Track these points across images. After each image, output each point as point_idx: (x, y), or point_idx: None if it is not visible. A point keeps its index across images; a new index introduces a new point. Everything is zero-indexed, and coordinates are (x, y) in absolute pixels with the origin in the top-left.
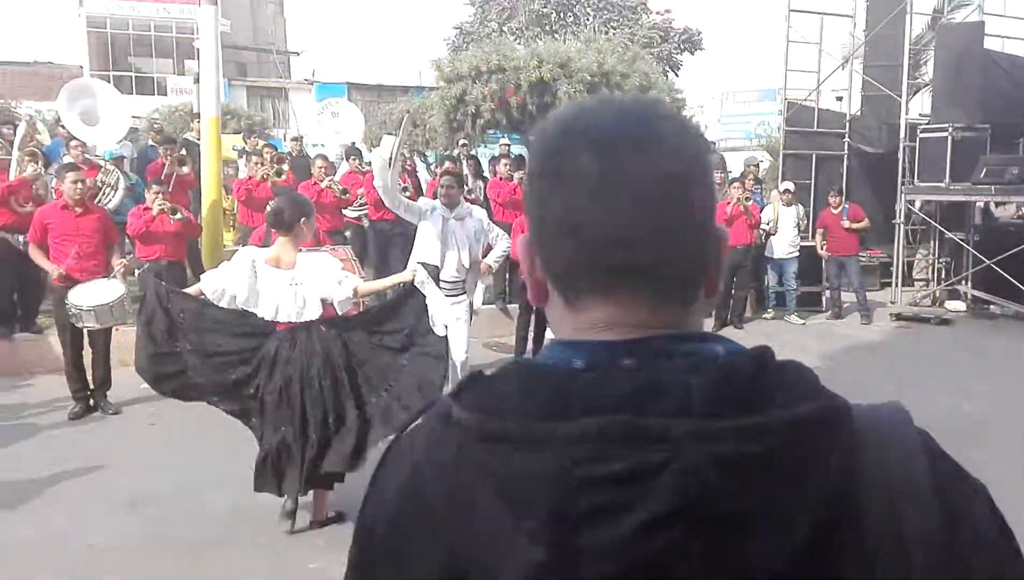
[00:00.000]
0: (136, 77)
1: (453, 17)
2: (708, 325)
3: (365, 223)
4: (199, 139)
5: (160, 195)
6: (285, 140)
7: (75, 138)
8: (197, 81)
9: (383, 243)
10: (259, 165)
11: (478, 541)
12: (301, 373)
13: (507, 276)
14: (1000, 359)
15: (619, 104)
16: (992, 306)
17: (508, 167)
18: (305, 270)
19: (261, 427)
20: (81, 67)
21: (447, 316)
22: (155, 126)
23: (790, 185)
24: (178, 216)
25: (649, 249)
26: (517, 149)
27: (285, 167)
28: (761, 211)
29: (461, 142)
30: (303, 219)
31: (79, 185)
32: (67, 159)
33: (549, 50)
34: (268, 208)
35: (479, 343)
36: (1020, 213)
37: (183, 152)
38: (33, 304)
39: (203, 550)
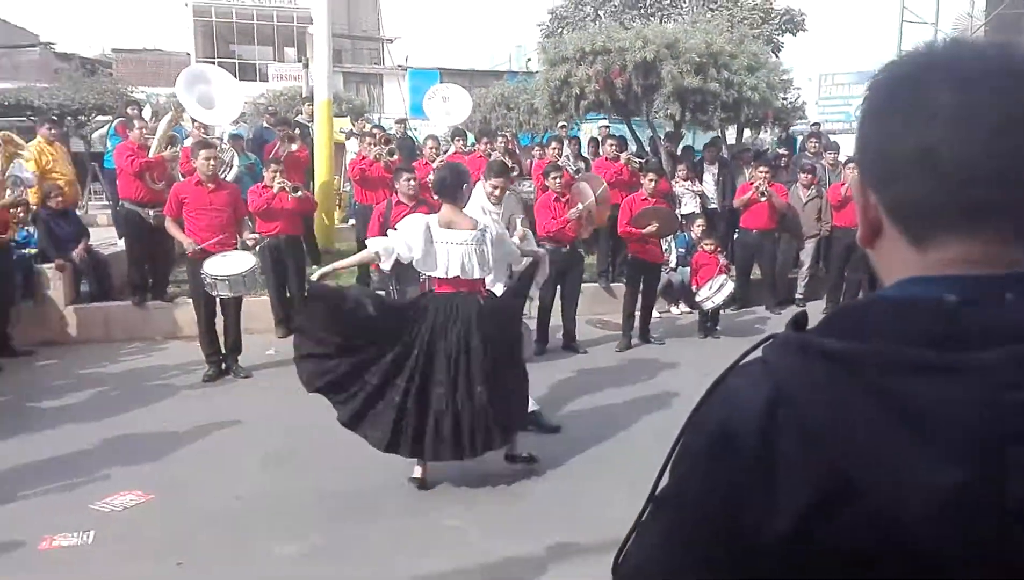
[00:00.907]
0: (239, 64)
1: (547, 2)
2: (821, 306)
3: None
4: (309, 121)
5: (279, 173)
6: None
7: (194, 120)
8: (307, 66)
9: None
10: (372, 145)
11: (867, 462)
12: (456, 340)
13: (611, 254)
14: None
15: (976, 43)
16: None
17: (614, 148)
18: (482, 232)
19: (400, 389)
20: (188, 54)
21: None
22: (270, 109)
23: None
24: (297, 193)
25: (1013, 185)
26: (616, 130)
27: (394, 147)
28: None
29: (560, 124)
30: (464, 185)
31: (211, 162)
32: (188, 141)
33: (655, 31)
34: (433, 179)
35: (582, 320)
36: None
37: (296, 133)
38: (164, 274)
39: (341, 504)
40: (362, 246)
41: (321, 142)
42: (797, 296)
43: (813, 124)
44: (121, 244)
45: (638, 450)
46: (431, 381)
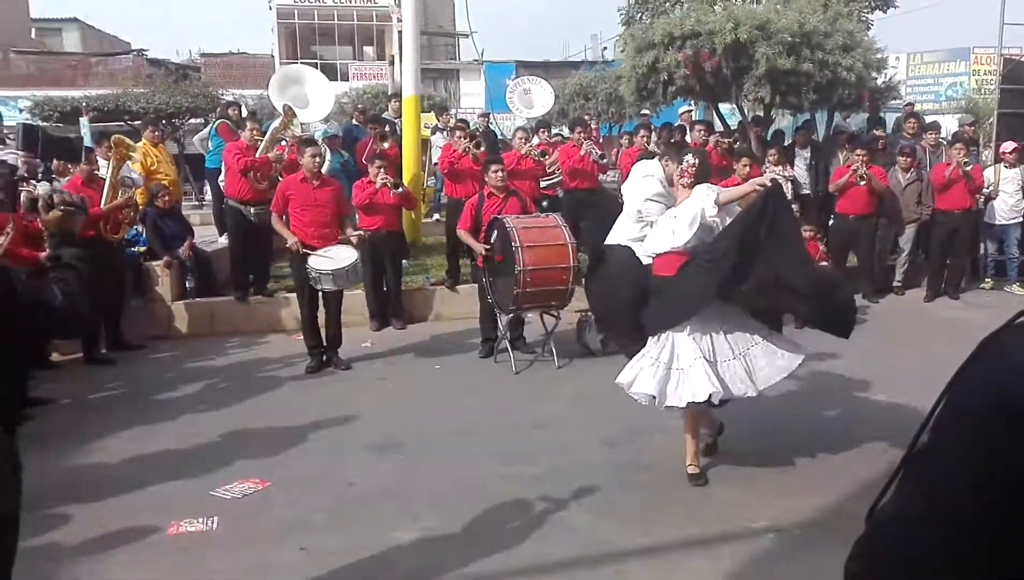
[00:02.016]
0: (320, 64)
1: None
2: (920, 294)
3: (559, 192)
4: (396, 118)
5: (383, 170)
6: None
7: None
8: (392, 63)
9: (578, 210)
10: (460, 139)
11: None
12: None
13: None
14: None
15: None
16: None
17: (702, 133)
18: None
19: None
20: (272, 56)
21: None
22: (359, 107)
23: (1013, 145)
24: (399, 189)
25: None
26: (699, 115)
27: (480, 140)
28: (980, 176)
29: (642, 112)
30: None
31: (317, 159)
32: (284, 141)
33: (746, 12)
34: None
35: None
36: None
37: (387, 129)
38: (265, 270)
39: (452, 491)
40: (452, 238)
41: (409, 138)
42: (895, 283)
43: (906, 104)
44: (223, 241)
45: (757, 437)
46: None
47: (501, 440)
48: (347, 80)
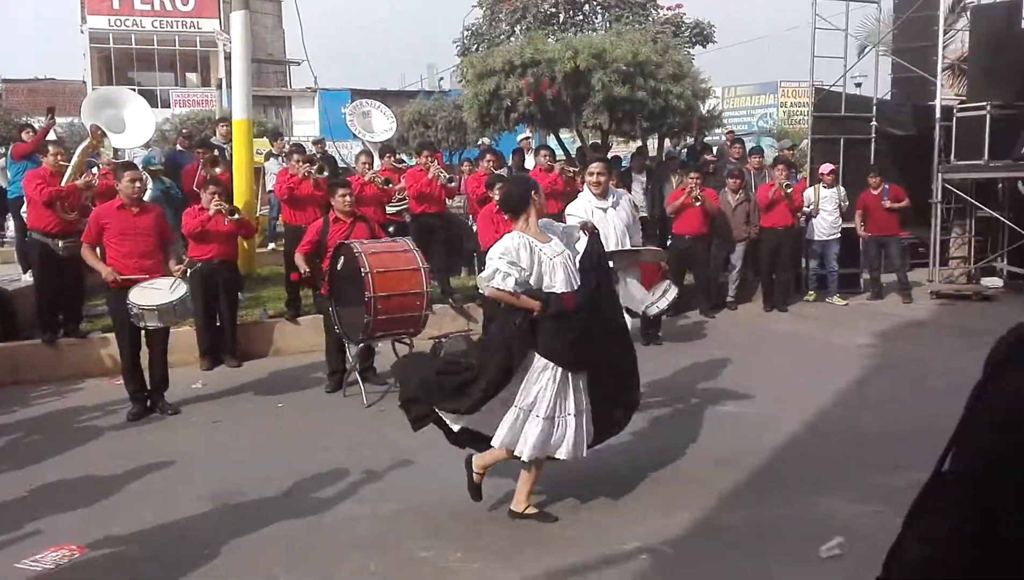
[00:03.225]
0: (139, 91)
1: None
2: (755, 308)
3: (407, 217)
4: (225, 143)
5: (217, 196)
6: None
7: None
8: (220, 87)
9: (426, 236)
10: (299, 164)
11: None
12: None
13: None
14: None
15: None
16: None
17: (547, 158)
18: (557, 241)
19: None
20: (84, 82)
21: None
22: (183, 132)
23: (830, 166)
24: (235, 217)
25: None
26: (547, 141)
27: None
28: (800, 195)
29: (480, 141)
30: (532, 192)
31: (137, 184)
32: (97, 167)
33: (583, 42)
34: (499, 197)
35: None
36: None
37: (216, 154)
38: (77, 308)
39: (303, 541)
40: (292, 267)
41: (240, 163)
42: (728, 299)
43: (727, 132)
44: (27, 278)
45: (621, 456)
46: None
47: (357, 479)
48: (168, 107)
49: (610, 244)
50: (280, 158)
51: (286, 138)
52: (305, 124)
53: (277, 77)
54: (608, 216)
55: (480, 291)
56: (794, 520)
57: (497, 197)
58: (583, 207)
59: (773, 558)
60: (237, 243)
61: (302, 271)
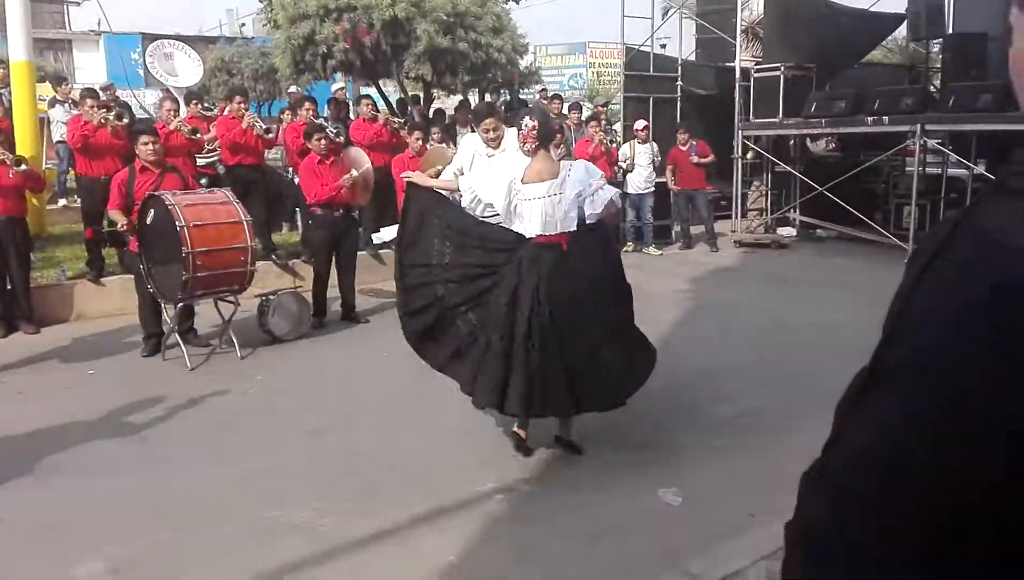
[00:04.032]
0: None
1: None
2: None
3: (220, 169)
4: (1, 88)
5: None
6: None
7: None
8: None
9: (243, 189)
10: (94, 110)
11: None
12: (548, 293)
13: (376, 221)
14: (839, 273)
15: None
16: (818, 230)
17: (370, 108)
18: (565, 180)
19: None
20: None
21: None
22: None
23: (644, 123)
24: (21, 168)
25: None
26: (367, 92)
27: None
28: (618, 149)
29: (290, 89)
30: (560, 133)
31: None
32: None
33: None
34: (528, 126)
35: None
36: (829, 147)
37: None
38: None
39: (138, 513)
40: (92, 222)
41: (23, 110)
42: None
43: (540, 89)
44: None
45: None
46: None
47: (186, 446)
48: None
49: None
50: (67, 105)
51: (71, 84)
52: (89, 70)
53: (54, 18)
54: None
55: None
56: (639, 454)
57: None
58: (473, 153)
59: (624, 493)
60: (25, 198)
61: (120, 225)
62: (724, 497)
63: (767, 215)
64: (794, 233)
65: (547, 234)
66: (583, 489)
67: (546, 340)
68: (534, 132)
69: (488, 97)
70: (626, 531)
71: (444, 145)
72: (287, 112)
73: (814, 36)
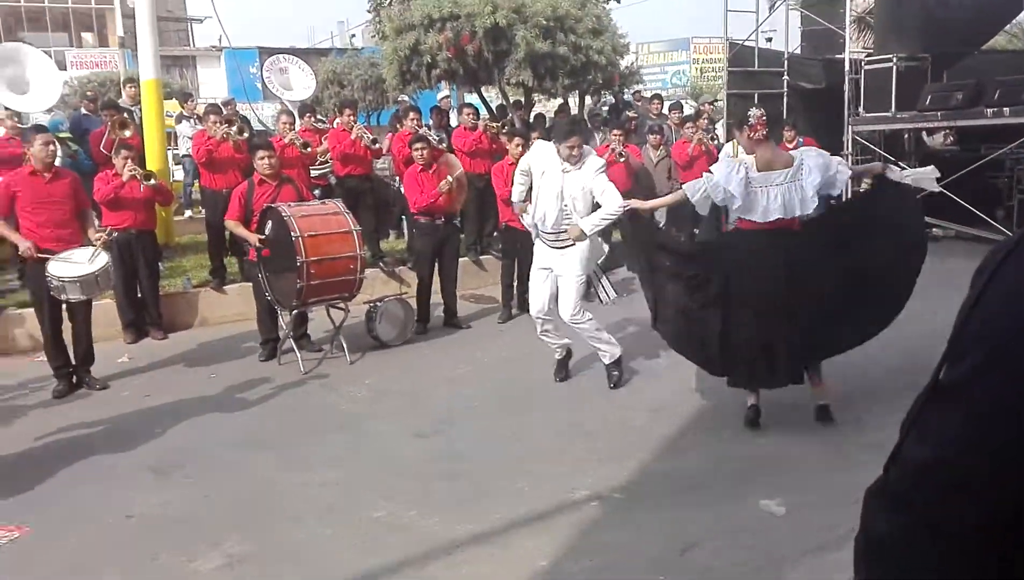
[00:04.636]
0: None
1: None
2: None
3: (332, 180)
4: (133, 105)
5: (130, 160)
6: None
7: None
8: (123, 46)
9: (352, 199)
10: (217, 125)
11: None
12: (790, 273)
13: (478, 227)
14: (955, 276)
15: None
16: (935, 229)
17: (471, 116)
18: (801, 168)
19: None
20: None
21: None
22: (88, 95)
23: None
24: (151, 182)
25: None
26: (470, 99)
27: (243, 126)
28: (719, 150)
29: (400, 99)
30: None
31: (50, 148)
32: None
33: None
34: (756, 115)
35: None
36: (947, 141)
37: (127, 116)
38: None
39: (250, 511)
40: (215, 232)
41: (152, 126)
42: None
43: (634, 92)
44: None
45: (562, 410)
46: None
47: (300, 446)
48: (64, 69)
49: (553, 204)
50: (192, 120)
51: (196, 99)
52: (211, 85)
53: (179, 36)
54: (557, 176)
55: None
56: (731, 462)
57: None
58: (543, 155)
59: (715, 498)
60: (155, 210)
61: (254, 243)
62: (827, 510)
63: None
64: None
65: (785, 218)
66: (679, 498)
67: (792, 314)
68: (763, 119)
69: (589, 99)
70: (721, 541)
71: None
72: (397, 122)
73: (929, 24)
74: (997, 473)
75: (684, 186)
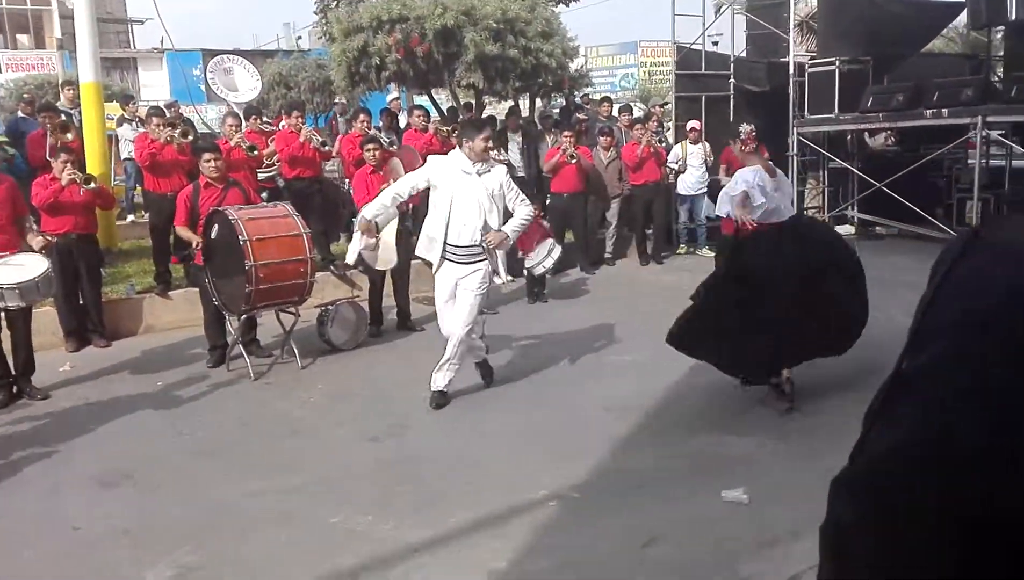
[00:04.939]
0: None
1: None
2: (632, 263)
3: (280, 183)
4: (72, 108)
5: (70, 164)
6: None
7: None
8: (62, 48)
9: (301, 201)
10: (160, 128)
11: None
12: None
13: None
14: (901, 272)
15: None
16: (878, 227)
17: (422, 118)
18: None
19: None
20: None
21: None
22: (24, 97)
23: (696, 124)
24: (91, 186)
25: None
26: (420, 101)
27: (187, 129)
28: (668, 152)
29: (336, 101)
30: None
31: None
32: None
33: None
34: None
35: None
36: (888, 141)
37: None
38: None
39: (205, 520)
40: (160, 237)
41: (92, 129)
42: (606, 255)
43: (583, 93)
44: None
45: (516, 412)
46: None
47: (252, 454)
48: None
49: (473, 214)
50: (134, 123)
51: (138, 102)
52: (153, 87)
53: (119, 38)
54: (472, 184)
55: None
56: (687, 458)
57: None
58: (449, 167)
59: (674, 493)
60: (95, 215)
61: (194, 244)
62: (783, 501)
63: (824, 213)
64: (852, 231)
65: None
66: (638, 495)
67: (792, 307)
68: (753, 133)
69: (539, 102)
70: (681, 536)
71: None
72: (334, 121)
73: (870, 28)
74: (957, 457)
75: (727, 187)
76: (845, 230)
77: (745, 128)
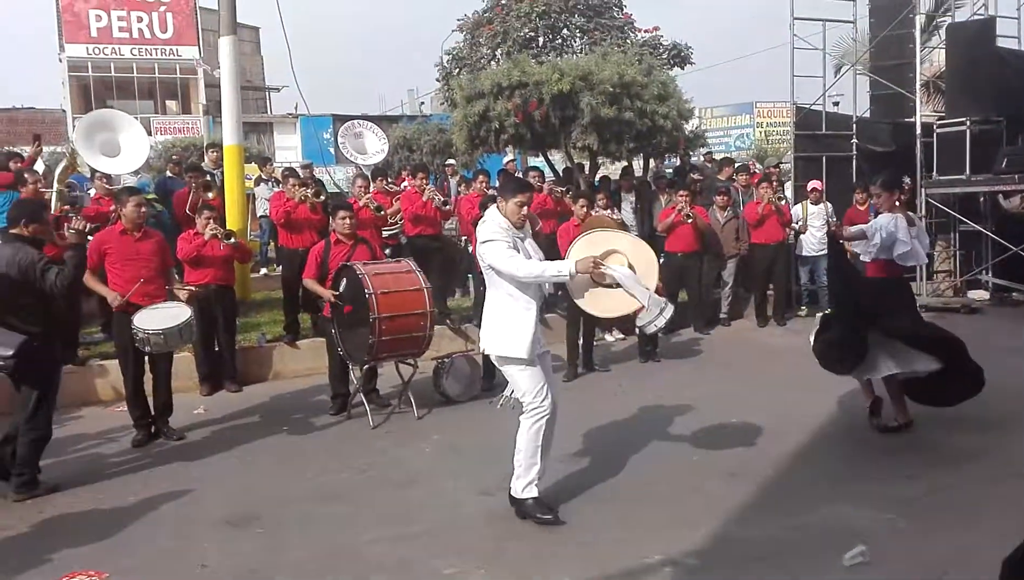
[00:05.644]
0: None
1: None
2: (748, 324)
3: (402, 240)
4: (214, 169)
5: (212, 220)
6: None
7: (93, 170)
8: (207, 113)
9: (422, 258)
10: (295, 188)
11: None
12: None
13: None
14: None
15: None
16: (1015, 293)
17: (537, 179)
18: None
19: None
20: (63, 111)
21: None
22: (173, 158)
23: (818, 184)
24: (231, 241)
25: None
26: (535, 162)
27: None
28: (789, 209)
29: (447, 162)
30: None
31: (141, 209)
32: (91, 192)
33: (569, 64)
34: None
35: None
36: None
37: (209, 179)
38: (74, 336)
39: (324, 565)
40: (290, 290)
41: (232, 188)
42: (721, 315)
43: (705, 153)
44: None
45: (633, 473)
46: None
47: (370, 501)
48: (149, 135)
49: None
50: (270, 183)
51: (273, 164)
52: (287, 149)
53: (256, 104)
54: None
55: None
56: (811, 530)
57: None
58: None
59: (797, 568)
60: (233, 268)
61: (328, 298)
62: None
63: (955, 277)
64: (987, 296)
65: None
66: (759, 566)
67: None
68: (908, 187)
69: (653, 163)
70: None
71: (609, 211)
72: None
73: (1000, 86)
74: None
75: (865, 227)
76: (979, 295)
77: (907, 181)
